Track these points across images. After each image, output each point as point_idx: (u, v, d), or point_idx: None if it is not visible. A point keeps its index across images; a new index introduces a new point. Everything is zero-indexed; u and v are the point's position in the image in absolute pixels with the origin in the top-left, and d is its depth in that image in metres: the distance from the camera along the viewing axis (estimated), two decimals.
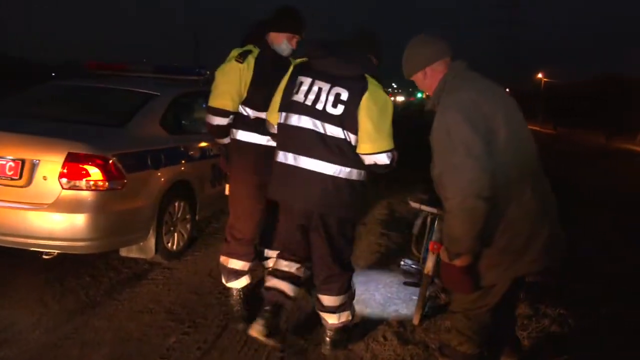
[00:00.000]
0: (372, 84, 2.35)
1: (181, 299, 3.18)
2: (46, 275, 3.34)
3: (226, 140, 2.87)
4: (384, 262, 4.01)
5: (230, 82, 2.69)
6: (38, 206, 3.01)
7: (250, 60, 2.70)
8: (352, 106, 2.31)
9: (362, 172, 2.43)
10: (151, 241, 3.50)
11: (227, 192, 3.13)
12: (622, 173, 12.70)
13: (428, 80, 2.07)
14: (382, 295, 3.37)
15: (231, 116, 2.75)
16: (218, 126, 2.78)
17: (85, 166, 3.04)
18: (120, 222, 3.24)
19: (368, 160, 2.38)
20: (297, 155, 2.37)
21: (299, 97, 2.38)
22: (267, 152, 2.71)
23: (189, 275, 3.55)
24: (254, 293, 3.01)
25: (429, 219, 2.92)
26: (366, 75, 2.36)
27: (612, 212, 6.67)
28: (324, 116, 2.33)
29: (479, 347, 2.06)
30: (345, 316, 2.56)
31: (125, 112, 3.62)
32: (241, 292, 2.93)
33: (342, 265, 2.52)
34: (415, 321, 2.85)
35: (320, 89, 2.36)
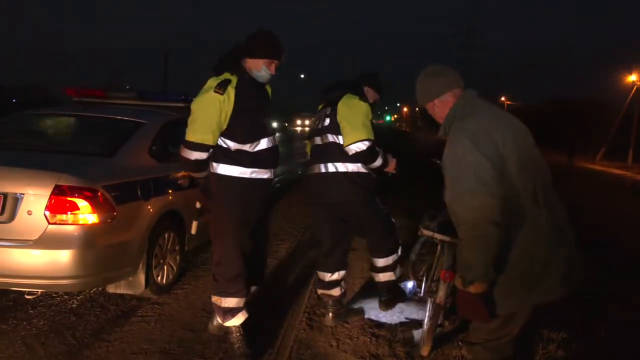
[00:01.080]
0: (347, 95, 3.06)
1: (176, 336, 3.01)
2: (29, 316, 3.12)
3: (203, 174, 2.71)
4: None
5: (210, 115, 2.54)
6: (22, 243, 2.82)
7: (230, 90, 2.57)
8: (333, 115, 3.05)
9: (357, 164, 3.02)
10: (141, 276, 3.33)
11: (193, 230, 3.03)
12: (586, 190, 13.29)
13: (437, 110, 2.14)
14: (386, 323, 3.30)
15: (211, 150, 2.62)
16: (196, 161, 2.61)
17: (74, 199, 2.89)
18: (109, 257, 3.07)
19: (350, 151, 2.96)
20: (319, 164, 3.08)
21: (314, 123, 3.22)
22: (251, 185, 2.66)
23: (181, 311, 3.39)
24: (255, 324, 2.90)
25: (438, 247, 2.89)
26: (347, 93, 3.07)
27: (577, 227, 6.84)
28: (321, 130, 3.11)
29: None
30: (389, 275, 3.28)
31: (113, 141, 3.48)
32: (240, 328, 2.80)
33: (378, 233, 3.20)
34: (425, 352, 2.78)
35: (323, 112, 3.14)
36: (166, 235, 3.65)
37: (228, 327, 2.79)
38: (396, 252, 3.29)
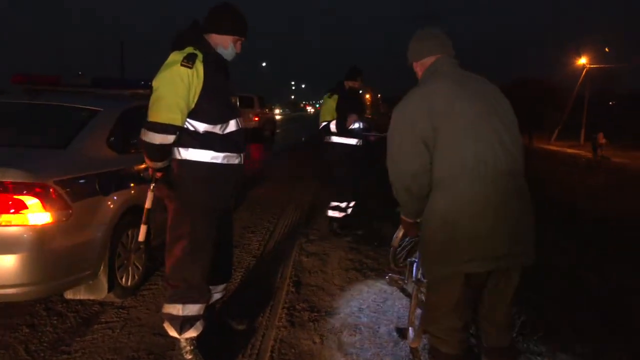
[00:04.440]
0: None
1: (145, 343, 2.76)
2: None
3: (164, 163, 2.35)
4: (362, 279, 3.80)
5: (178, 91, 2.23)
6: None
7: (199, 65, 2.29)
8: None
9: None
10: (103, 279, 3.03)
11: (141, 237, 2.60)
12: (547, 168, 13.92)
13: (418, 74, 2.17)
14: (369, 316, 3.15)
15: (177, 132, 2.32)
16: (161, 146, 2.26)
17: (21, 197, 2.56)
18: (65, 260, 2.76)
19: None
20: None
21: None
22: (223, 171, 2.42)
23: (149, 314, 3.11)
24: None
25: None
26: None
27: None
28: None
29: (456, 349, 2.03)
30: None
31: (66, 131, 3.14)
32: (194, 341, 2.46)
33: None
34: (415, 344, 2.65)
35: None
36: (130, 233, 3.35)
37: (180, 341, 2.44)
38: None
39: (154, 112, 2.27)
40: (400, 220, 2.27)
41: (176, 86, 2.24)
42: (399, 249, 3.89)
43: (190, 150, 2.36)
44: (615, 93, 48.52)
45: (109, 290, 3.08)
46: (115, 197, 3.14)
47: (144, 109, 3.91)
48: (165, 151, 2.33)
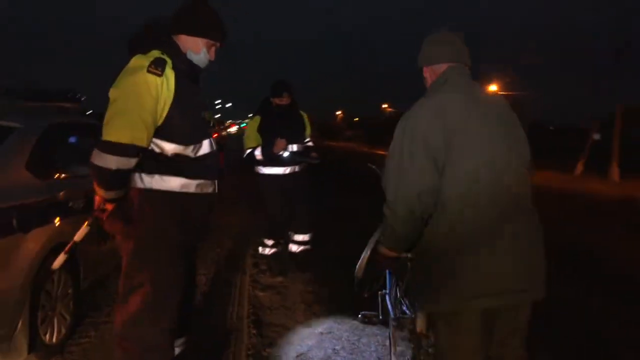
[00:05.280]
0: None
1: None
2: None
3: (120, 193, 1.92)
4: (328, 314, 3.45)
5: (144, 103, 1.81)
6: None
7: (169, 73, 1.89)
8: None
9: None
10: (21, 339, 2.41)
11: (56, 264, 2.21)
12: None
13: (427, 81, 1.98)
14: (346, 359, 2.82)
15: (140, 154, 1.89)
16: (118, 172, 1.83)
17: None
18: None
19: None
20: None
21: None
22: (195, 202, 2.03)
23: None
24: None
25: (408, 264, 2.48)
26: None
27: None
28: None
29: None
30: None
31: None
32: None
33: None
34: None
35: None
36: (55, 278, 2.74)
37: None
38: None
39: (113, 129, 1.81)
40: (376, 255, 2.07)
41: (141, 97, 1.81)
42: (362, 278, 3.63)
43: (156, 177, 1.93)
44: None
45: (30, 350, 2.47)
46: (36, 235, 2.54)
47: (70, 126, 3.39)
48: (123, 178, 1.87)
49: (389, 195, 1.77)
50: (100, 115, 2.29)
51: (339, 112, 68.60)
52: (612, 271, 4.98)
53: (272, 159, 4.03)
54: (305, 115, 4.32)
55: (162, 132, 1.89)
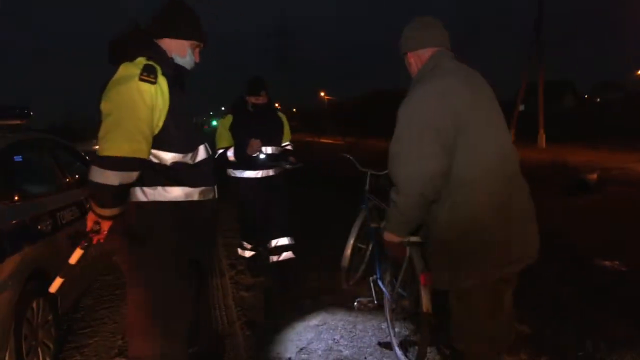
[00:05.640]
0: None
1: None
2: None
3: (121, 209, 1.82)
4: (319, 306, 3.46)
5: (140, 114, 1.73)
6: None
7: (162, 80, 1.82)
8: None
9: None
10: None
11: (53, 288, 1.96)
12: None
13: (412, 66, 1.99)
14: (348, 347, 2.85)
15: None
16: (121, 187, 1.75)
17: None
18: None
19: None
20: None
21: None
22: (199, 210, 1.97)
23: None
24: None
25: (407, 249, 2.55)
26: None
27: None
28: None
29: None
30: None
31: None
32: None
33: None
34: None
35: None
36: (34, 305, 2.56)
37: None
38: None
39: (110, 143, 1.71)
40: (382, 242, 2.10)
41: (136, 107, 1.72)
42: (350, 269, 3.69)
43: (159, 188, 1.85)
44: None
45: None
46: (11, 263, 2.36)
47: (29, 145, 3.16)
48: (125, 193, 1.78)
49: (400, 181, 1.81)
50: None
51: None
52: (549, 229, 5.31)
53: (246, 161, 3.69)
54: (284, 117, 3.99)
55: (159, 141, 1.82)
